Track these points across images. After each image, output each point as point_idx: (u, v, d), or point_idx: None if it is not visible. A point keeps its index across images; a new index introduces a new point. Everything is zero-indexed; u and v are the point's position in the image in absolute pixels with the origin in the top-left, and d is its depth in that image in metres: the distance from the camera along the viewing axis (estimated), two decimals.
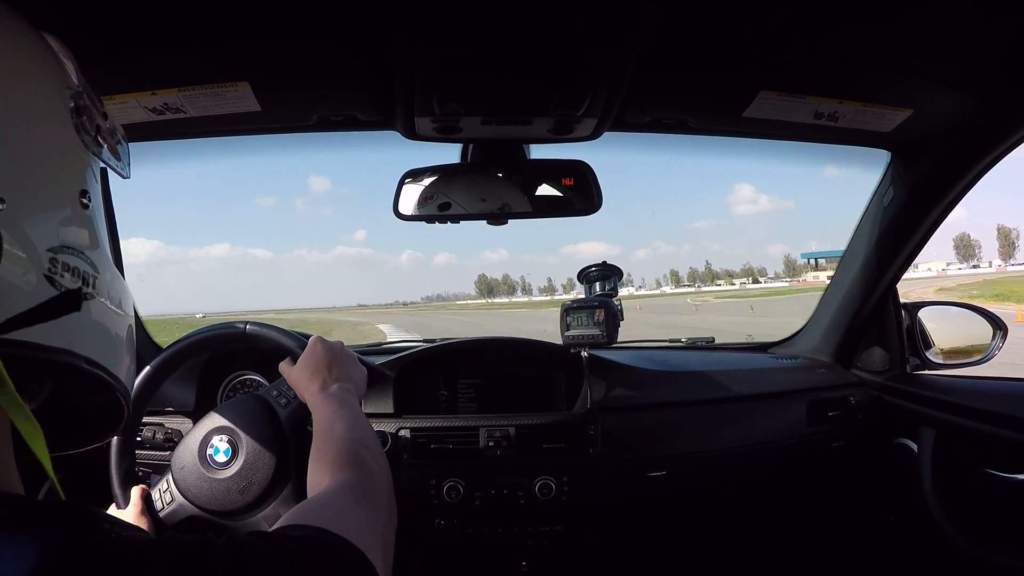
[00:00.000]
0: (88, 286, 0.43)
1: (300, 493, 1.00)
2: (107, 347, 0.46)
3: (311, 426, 0.86)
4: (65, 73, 0.45)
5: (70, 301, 0.40)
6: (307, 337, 1.03)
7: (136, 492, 0.99)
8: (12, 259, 0.37)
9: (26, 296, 0.38)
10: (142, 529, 0.40)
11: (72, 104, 0.44)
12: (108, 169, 0.51)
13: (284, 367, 0.97)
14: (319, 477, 0.68)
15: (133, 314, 0.52)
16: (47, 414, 0.46)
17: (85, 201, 0.44)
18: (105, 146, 0.48)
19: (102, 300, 0.45)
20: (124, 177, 0.54)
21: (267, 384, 1.40)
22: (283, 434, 1.01)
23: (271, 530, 0.47)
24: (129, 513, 0.98)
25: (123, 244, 1.38)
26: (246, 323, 1.12)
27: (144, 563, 0.36)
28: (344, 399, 0.84)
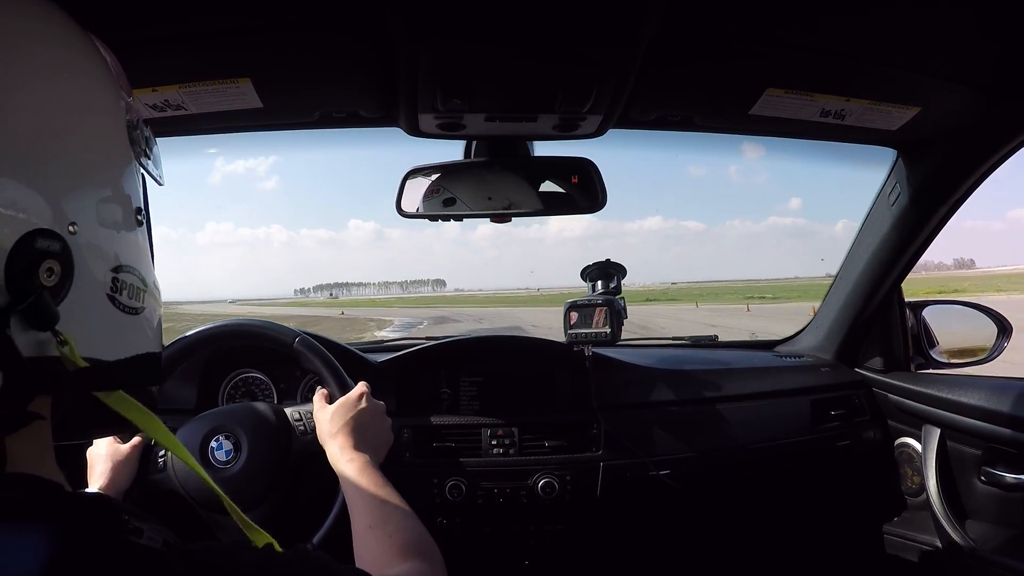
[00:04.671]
0: (139, 301, 0.44)
1: (286, 511, 1.00)
2: (150, 346, 0.47)
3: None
4: (118, 86, 0.46)
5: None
6: (353, 380, 1.05)
7: (136, 439, 0.98)
8: (83, 280, 0.38)
9: (92, 316, 0.39)
10: (162, 525, 0.40)
11: (127, 118, 0.45)
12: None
13: (319, 400, 0.99)
14: (382, 558, 0.69)
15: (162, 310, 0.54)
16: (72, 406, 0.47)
17: (140, 219, 0.45)
18: (151, 159, 0.49)
19: (151, 312, 0.46)
20: (159, 183, 0.54)
21: (269, 383, 1.40)
22: (292, 456, 1.01)
23: None
24: (121, 452, 0.97)
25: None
26: (296, 336, 1.10)
27: (166, 558, 0.36)
28: (382, 480, 0.83)
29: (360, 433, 0.91)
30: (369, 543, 0.72)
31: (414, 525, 0.76)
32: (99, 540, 0.33)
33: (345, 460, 0.86)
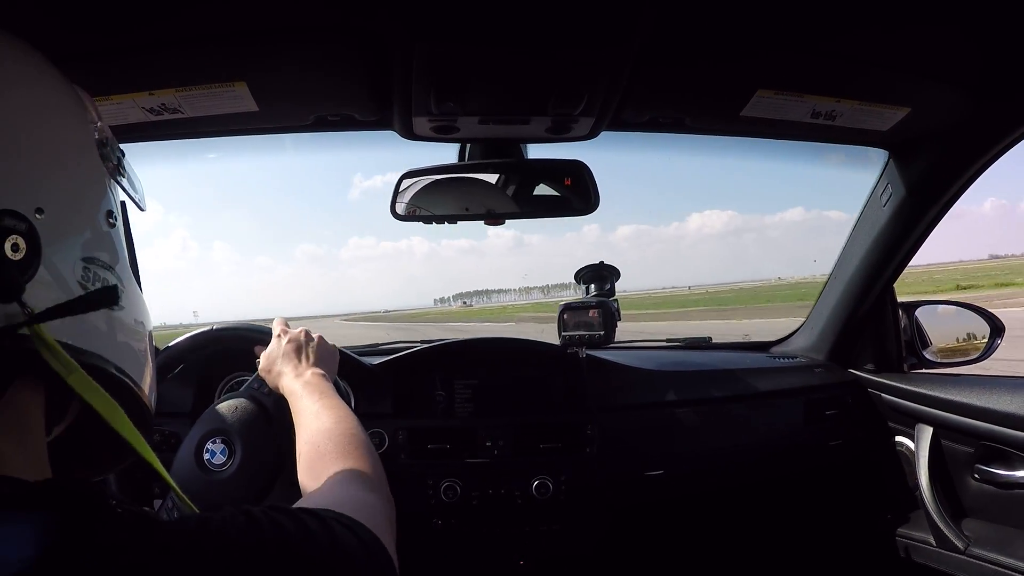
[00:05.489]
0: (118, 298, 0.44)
1: (295, 477, 1.01)
2: (133, 359, 0.47)
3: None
4: (87, 110, 0.47)
5: (109, 295, 0.42)
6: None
7: None
8: (50, 264, 0.39)
9: (63, 299, 0.39)
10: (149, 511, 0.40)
11: (96, 136, 0.47)
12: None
13: (262, 358, 1.01)
14: (318, 468, 0.68)
15: (150, 329, 0.53)
16: (73, 439, 0.47)
17: (111, 220, 0.46)
18: (125, 177, 0.51)
19: (128, 313, 0.47)
20: (141, 210, 0.55)
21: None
22: (272, 423, 1.02)
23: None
24: None
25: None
26: (213, 325, 1.23)
27: (156, 536, 0.36)
28: (322, 387, 0.85)
29: (297, 356, 0.94)
30: (302, 462, 0.72)
31: (345, 427, 0.74)
32: (91, 526, 0.33)
33: (289, 383, 0.89)
